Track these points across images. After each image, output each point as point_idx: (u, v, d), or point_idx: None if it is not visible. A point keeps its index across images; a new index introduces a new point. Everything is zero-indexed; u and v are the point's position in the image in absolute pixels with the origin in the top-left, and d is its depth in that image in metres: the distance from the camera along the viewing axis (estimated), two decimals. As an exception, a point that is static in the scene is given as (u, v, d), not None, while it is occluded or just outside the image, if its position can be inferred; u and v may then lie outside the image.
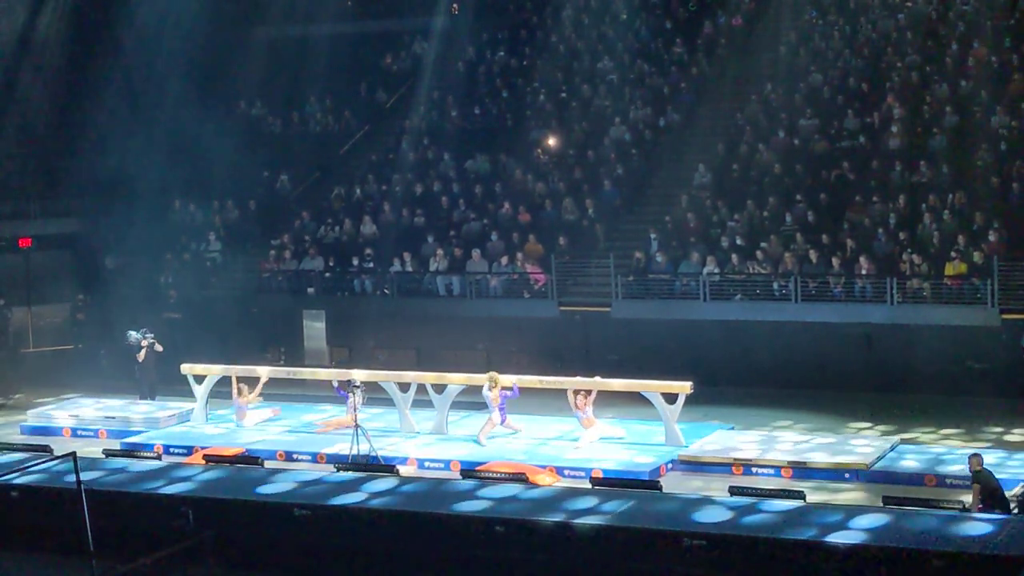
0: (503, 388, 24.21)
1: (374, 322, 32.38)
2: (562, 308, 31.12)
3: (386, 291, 32.99)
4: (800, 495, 18.22)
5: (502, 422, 24.26)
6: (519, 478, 20.10)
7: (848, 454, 22.55)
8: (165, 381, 28.26)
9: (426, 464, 23.43)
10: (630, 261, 31.10)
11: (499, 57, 40.21)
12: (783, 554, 16.11)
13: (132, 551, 17.30)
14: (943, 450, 23.03)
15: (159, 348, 28.52)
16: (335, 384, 25.84)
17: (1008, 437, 24.32)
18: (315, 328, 32.55)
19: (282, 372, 27.75)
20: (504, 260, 31.93)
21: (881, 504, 17.92)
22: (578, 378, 24.50)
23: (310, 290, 33.64)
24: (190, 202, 37.20)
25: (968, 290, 27.60)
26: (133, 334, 28.58)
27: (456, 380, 25.39)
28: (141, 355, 28.45)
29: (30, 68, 39.93)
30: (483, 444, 23.94)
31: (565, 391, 24.80)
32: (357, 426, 22.96)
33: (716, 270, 29.80)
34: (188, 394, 27.25)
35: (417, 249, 33.34)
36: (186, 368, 27.16)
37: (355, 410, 23.99)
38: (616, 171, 33.96)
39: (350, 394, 24.57)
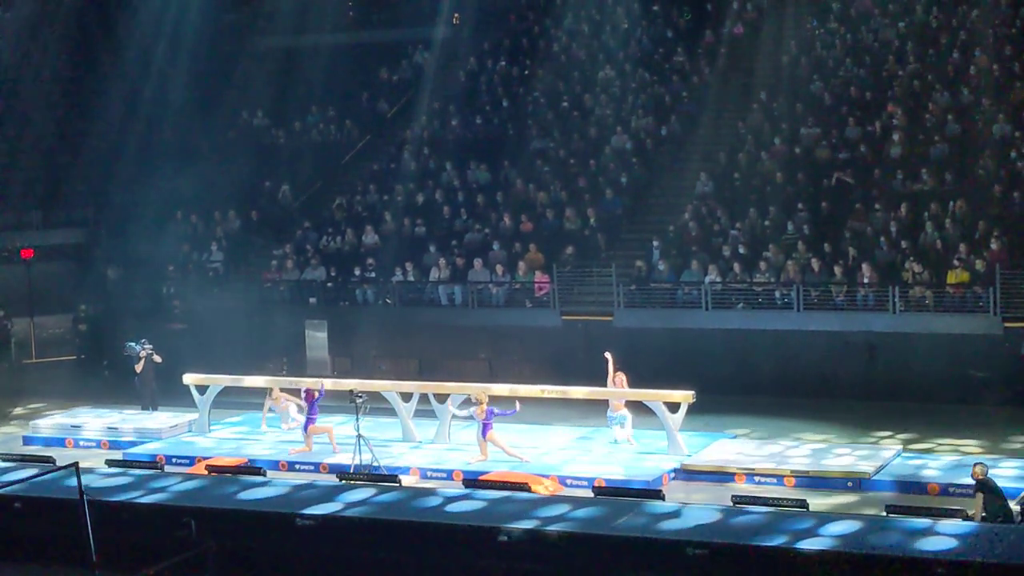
0: (495, 408, 23.81)
1: (376, 332, 32.39)
2: (564, 317, 31.13)
3: (388, 301, 33.01)
4: (803, 504, 18.22)
5: (483, 435, 23.63)
6: (522, 487, 20.09)
7: (850, 463, 22.53)
8: (170, 392, 28.19)
9: (428, 474, 23.40)
10: (632, 270, 31.13)
11: (500, 66, 40.25)
12: (786, 563, 16.09)
13: (135, 562, 17.28)
14: (946, 458, 23.01)
15: (157, 359, 28.49)
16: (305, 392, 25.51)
17: (1011, 445, 24.29)
18: (317, 338, 32.54)
19: (284, 382, 27.75)
20: (499, 269, 31.93)
21: (884, 513, 17.91)
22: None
23: (312, 300, 33.65)
24: (192, 212, 37.22)
25: (970, 298, 27.60)
26: (132, 345, 28.59)
27: (458, 389, 25.36)
28: (139, 366, 28.44)
29: (32, 78, 40.00)
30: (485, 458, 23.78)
31: (569, 400, 24.97)
32: (360, 436, 22.93)
33: (718, 279, 29.81)
34: (193, 405, 27.23)
35: (419, 259, 33.37)
36: (188, 378, 27.16)
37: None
38: (618, 180, 33.98)
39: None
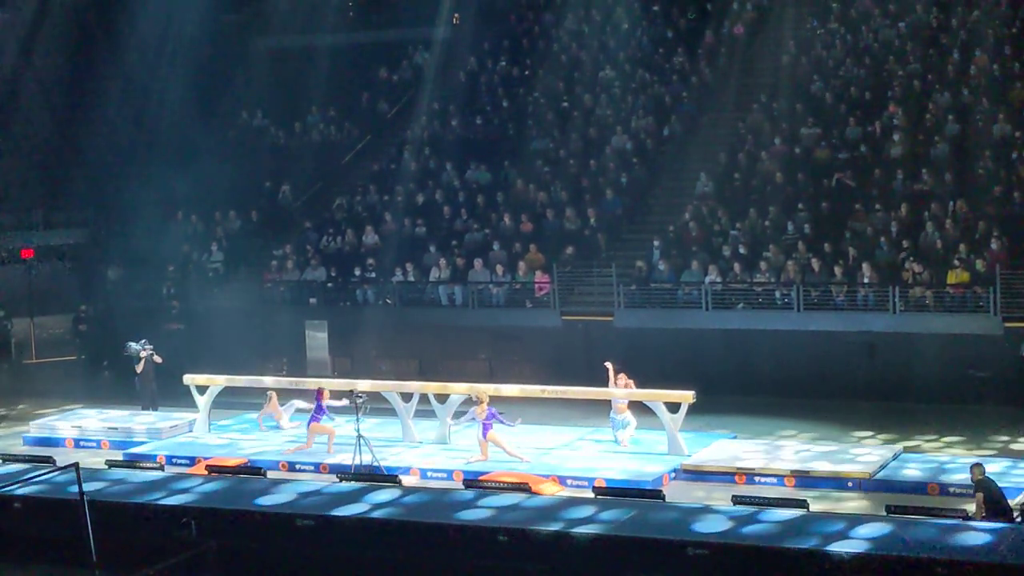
0: (496, 412, 23.77)
1: (376, 332, 32.36)
2: (564, 317, 31.10)
3: (388, 301, 33.00)
4: (803, 504, 18.23)
5: (483, 435, 23.56)
6: (522, 488, 20.10)
7: (851, 463, 22.53)
8: (171, 392, 28.17)
9: (429, 474, 23.41)
10: (632, 270, 31.12)
11: (500, 67, 40.23)
12: (786, 563, 16.10)
13: (135, 562, 17.31)
14: (945, 459, 23.00)
15: (158, 359, 28.51)
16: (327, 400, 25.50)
17: (1011, 446, 24.29)
18: (317, 338, 32.54)
19: (285, 382, 27.80)
20: (500, 270, 31.93)
21: (884, 513, 17.92)
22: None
23: (312, 300, 33.65)
24: (192, 213, 37.22)
25: (970, 298, 27.58)
26: (132, 345, 28.60)
27: (458, 390, 25.37)
28: (139, 366, 28.45)
29: (32, 80, 39.98)
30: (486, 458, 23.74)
31: (569, 400, 25.30)
32: (360, 436, 22.95)
33: (718, 279, 29.81)
34: (193, 405, 27.24)
35: (419, 259, 33.37)
36: (188, 379, 27.17)
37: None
38: (618, 180, 33.98)
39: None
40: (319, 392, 25.08)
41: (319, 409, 24.83)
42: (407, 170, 37.13)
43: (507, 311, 31.71)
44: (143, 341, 28.56)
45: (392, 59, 41.60)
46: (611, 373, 24.58)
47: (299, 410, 26.86)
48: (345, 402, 24.68)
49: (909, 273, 28.25)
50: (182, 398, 27.63)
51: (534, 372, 29.81)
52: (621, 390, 24.36)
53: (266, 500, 19.40)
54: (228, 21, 42.59)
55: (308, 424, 25.00)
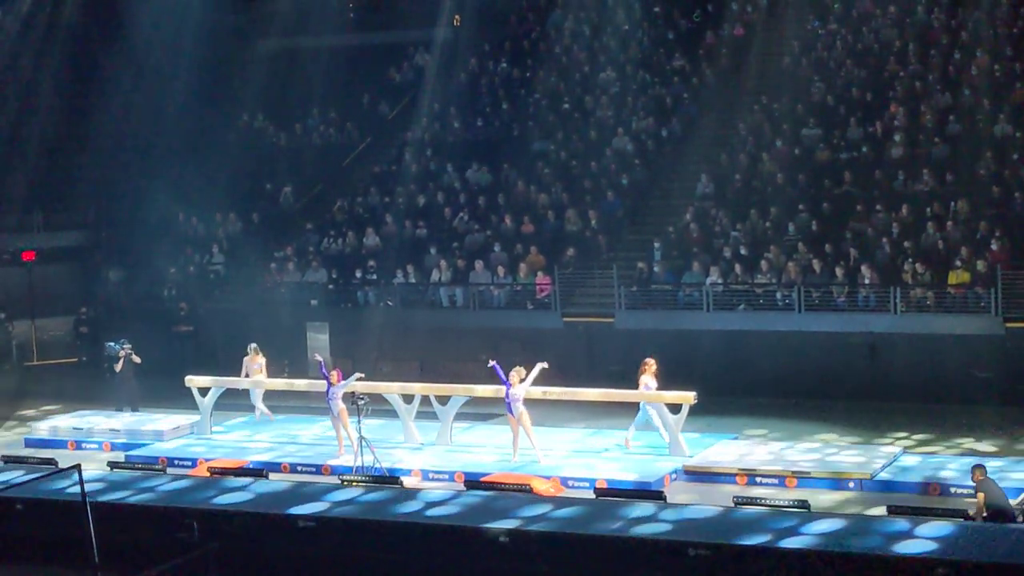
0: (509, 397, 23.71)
1: (377, 334, 32.37)
2: (565, 319, 31.12)
3: (389, 303, 33.02)
4: (804, 505, 18.24)
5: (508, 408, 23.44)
6: (523, 489, 20.11)
7: (852, 463, 22.52)
8: (175, 393, 28.14)
9: (430, 476, 23.41)
10: (633, 272, 31.13)
11: (501, 68, 40.26)
12: (786, 564, 16.10)
13: (137, 563, 17.31)
14: (947, 459, 23.00)
15: (136, 359, 28.50)
16: (318, 359, 25.96)
17: (1012, 446, 24.28)
18: (319, 340, 32.57)
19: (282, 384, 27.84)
20: (501, 271, 31.95)
21: (885, 513, 17.93)
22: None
23: (313, 302, 33.66)
24: (193, 215, 37.24)
25: (972, 299, 27.60)
26: (111, 345, 28.63)
27: (460, 391, 25.39)
28: (118, 366, 28.48)
29: (33, 81, 40.03)
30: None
31: (571, 401, 25.49)
32: (362, 438, 22.95)
33: (719, 280, 29.81)
34: (191, 406, 27.25)
35: (420, 261, 33.39)
36: (190, 381, 27.18)
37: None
38: (619, 182, 33.99)
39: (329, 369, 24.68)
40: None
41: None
42: (408, 172, 37.16)
43: (508, 313, 31.73)
44: (122, 341, 28.56)
45: (392, 61, 41.62)
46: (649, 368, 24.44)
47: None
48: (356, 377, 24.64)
49: (910, 274, 28.26)
50: (181, 399, 27.63)
51: (535, 373, 29.80)
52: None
53: (268, 501, 19.40)
54: (229, 23, 42.63)
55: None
